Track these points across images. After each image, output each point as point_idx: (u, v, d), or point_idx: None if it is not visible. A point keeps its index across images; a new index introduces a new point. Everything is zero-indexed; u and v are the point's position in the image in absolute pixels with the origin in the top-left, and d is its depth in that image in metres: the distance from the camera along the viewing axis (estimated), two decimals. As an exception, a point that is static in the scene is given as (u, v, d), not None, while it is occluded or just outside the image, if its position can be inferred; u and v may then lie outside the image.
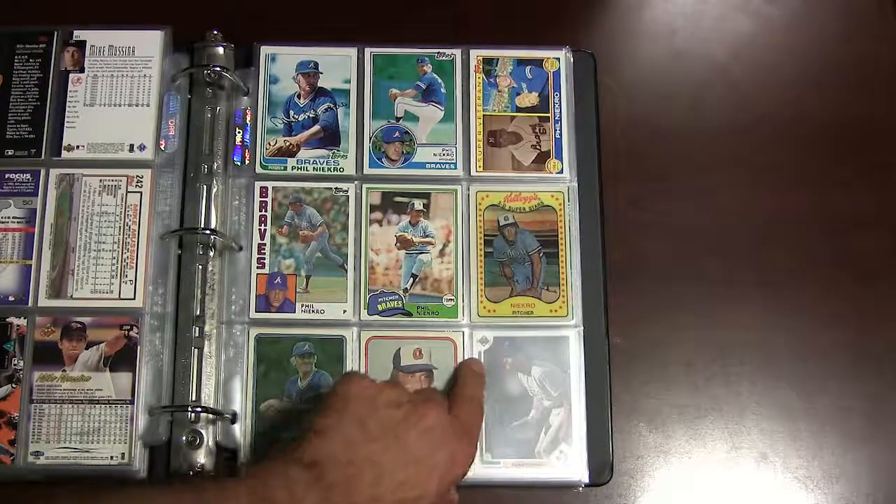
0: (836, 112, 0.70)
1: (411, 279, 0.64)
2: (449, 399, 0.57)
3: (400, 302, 0.63)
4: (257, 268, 0.63)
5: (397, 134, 0.66)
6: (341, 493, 0.49)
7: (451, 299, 0.63)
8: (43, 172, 0.64)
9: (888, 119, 0.70)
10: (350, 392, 0.53)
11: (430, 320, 0.63)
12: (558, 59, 0.68)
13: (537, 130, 0.67)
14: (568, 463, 0.60)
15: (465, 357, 0.62)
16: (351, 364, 0.62)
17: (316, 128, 0.66)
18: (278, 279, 0.63)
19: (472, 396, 0.59)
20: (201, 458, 0.60)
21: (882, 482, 0.62)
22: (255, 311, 0.62)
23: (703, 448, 0.63)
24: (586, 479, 0.60)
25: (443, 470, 0.52)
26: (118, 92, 0.66)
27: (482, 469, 0.60)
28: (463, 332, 0.62)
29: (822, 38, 0.72)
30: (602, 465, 0.61)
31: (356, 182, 0.65)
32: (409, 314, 0.63)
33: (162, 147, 0.65)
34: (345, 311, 0.63)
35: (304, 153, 0.66)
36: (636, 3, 0.73)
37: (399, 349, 0.62)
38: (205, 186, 0.64)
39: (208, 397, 0.61)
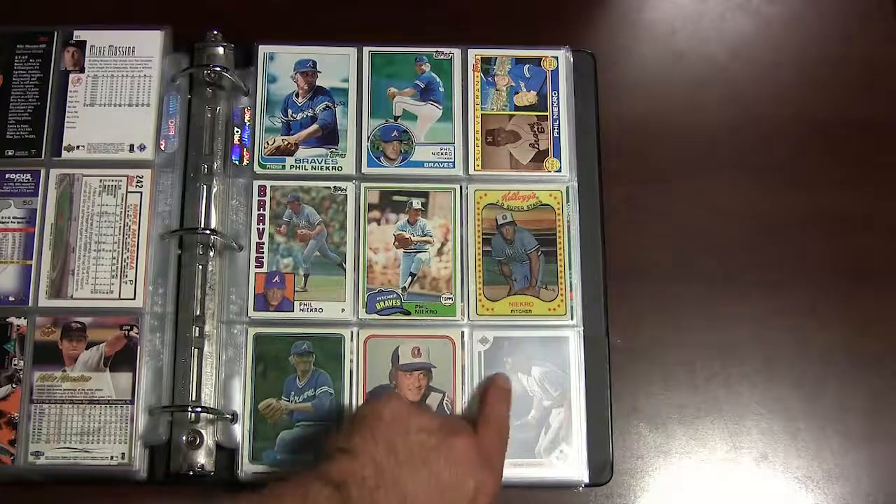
0: (836, 112, 0.70)
1: (410, 278, 0.64)
2: (476, 420, 0.56)
3: (398, 301, 0.63)
4: (256, 267, 0.63)
5: (396, 133, 0.66)
6: None
7: (449, 298, 0.63)
8: (43, 172, 0.64)
9: (888, 119, 0.70)
10: (383, 413, 0.51)
11: (428, 319, 0.63)
12: (556, 57, 0.68)
13: (535, 129, 0.66)
14: (568, 463, 0.60)
15: (464, 355, 0.62)
16: (350, 363, 0.61)
17: (314, 127, 0.66)
18: (277, 278, 0.63)
19: (496, 419, 0.57)
20: (201, 458, 0.60)
21: (882, 482, 0.62)
22: (254, 311, 0.62)
23: (703, 448, 0.63)
24: (586, 479, 0.60)
25: (468, 501, 0.50)
26: (118, 92, 0.66)
27: (482, 469, 0.60)
28: (462, 331, 0.62)
29: (822, 38, 0.72)
30: (602, 465, 0.61)
31: (354, 181, 0.65)
32: (408, 313, 0.63)
33: (162, 147, 0.65)
34: (343, 310, 0.63)
35: (302, 152, 0.65)
36: (636, 3, 0.73)
37: (398, 347, 0.62)
38: (205, 186, 0.64)
39: (208, 397, 0.61)
